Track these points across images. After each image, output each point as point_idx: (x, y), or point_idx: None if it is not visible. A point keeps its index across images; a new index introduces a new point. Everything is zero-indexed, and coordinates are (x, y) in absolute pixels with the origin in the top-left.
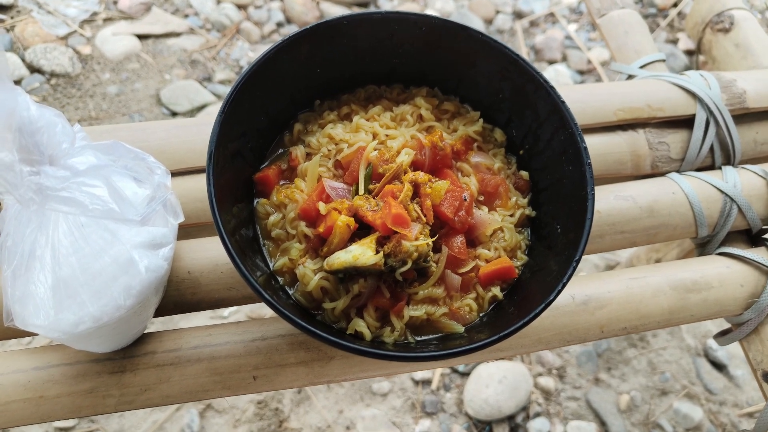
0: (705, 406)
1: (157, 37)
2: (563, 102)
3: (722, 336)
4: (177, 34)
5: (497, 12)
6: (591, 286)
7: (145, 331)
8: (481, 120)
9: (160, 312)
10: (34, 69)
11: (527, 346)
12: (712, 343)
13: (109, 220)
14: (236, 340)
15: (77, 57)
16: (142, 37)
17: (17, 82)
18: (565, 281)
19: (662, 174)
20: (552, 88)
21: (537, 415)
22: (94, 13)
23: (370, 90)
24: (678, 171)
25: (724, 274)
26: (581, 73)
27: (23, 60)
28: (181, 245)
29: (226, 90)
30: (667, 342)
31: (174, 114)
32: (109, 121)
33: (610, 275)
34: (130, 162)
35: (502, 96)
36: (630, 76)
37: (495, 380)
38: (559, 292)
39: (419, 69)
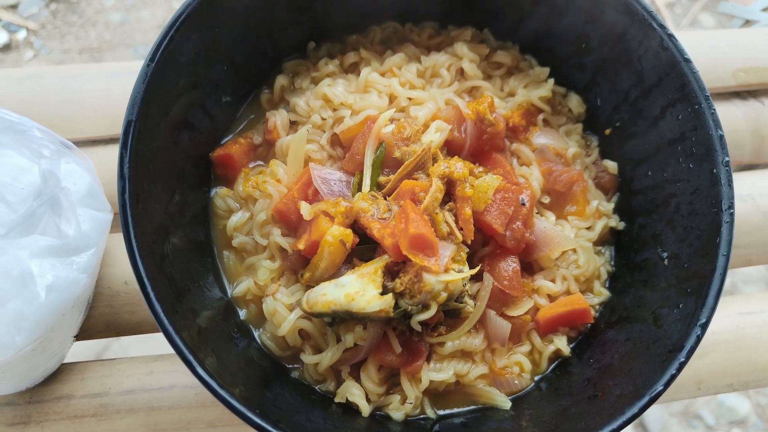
0: (753, 398)
1: None
2: (687, 60)
3: None
4: None
5: None
6: None
7: (65, 360)
8: (552, 80)
9: (86, 335)
10: None
11: None
12: None
13: None
14: (186, 383)
15: None
16: None
17: (14, 7)
18: (683, 360)
19: None
20: (671, 35)
21: None
22: None
23: (390, 29)
24: None
25: None
26: None
27: None
28: (116, 242)
29: None
30: None
31: None
32: (111, 53)
33: None
34: (2, 137)
35: (586, 45)
36: (747, 22)
37: None
38: (673, 378)
39: None
